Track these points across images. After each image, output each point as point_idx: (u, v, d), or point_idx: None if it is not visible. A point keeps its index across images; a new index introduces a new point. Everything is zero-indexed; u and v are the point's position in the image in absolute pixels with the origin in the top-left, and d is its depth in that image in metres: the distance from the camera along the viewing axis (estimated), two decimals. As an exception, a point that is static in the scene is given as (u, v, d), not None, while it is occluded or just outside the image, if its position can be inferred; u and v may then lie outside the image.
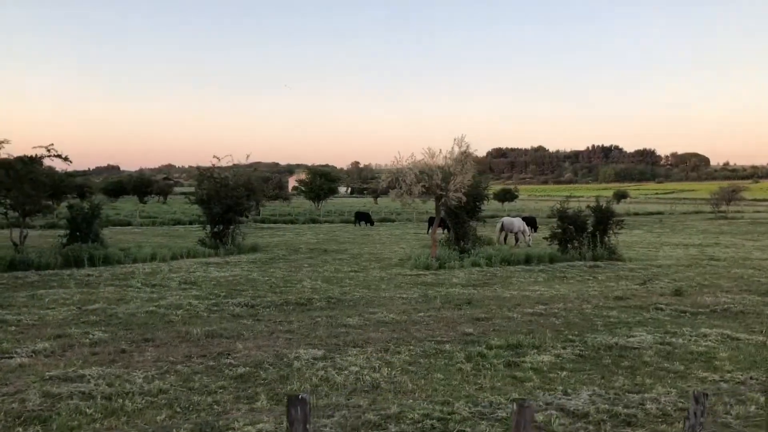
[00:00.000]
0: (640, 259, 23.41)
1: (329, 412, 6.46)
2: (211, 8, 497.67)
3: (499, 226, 29.91)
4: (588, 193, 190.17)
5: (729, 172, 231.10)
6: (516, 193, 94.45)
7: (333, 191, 69.09)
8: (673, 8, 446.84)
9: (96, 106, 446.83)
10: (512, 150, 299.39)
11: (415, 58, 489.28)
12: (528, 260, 21.55)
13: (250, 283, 15.87)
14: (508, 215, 38.17)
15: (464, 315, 11.87)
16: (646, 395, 6.99)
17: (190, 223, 42.52)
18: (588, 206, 24.38)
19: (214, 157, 24.12)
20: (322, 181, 65.44)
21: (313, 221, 49.41)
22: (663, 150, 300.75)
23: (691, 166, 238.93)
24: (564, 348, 9.20)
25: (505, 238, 29.35)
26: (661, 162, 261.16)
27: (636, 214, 73.24)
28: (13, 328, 10.30)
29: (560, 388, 7.30)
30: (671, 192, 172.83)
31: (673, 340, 9.75)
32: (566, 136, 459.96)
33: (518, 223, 29.80)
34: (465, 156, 20.53)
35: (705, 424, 3.65)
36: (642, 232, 43.57)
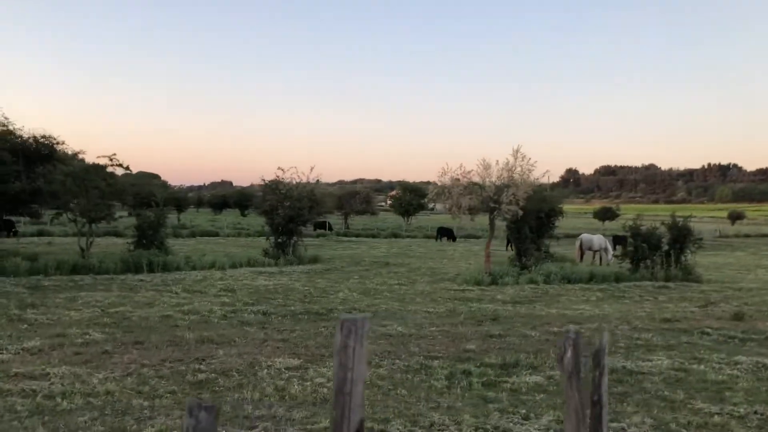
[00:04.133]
0: (721, 281, 21.59)
1: (255, 423, 6.11)
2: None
3: (577, 243, 28.55)
4: (700, 213, 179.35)
5: None
6: (617, 212, 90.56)
7: (421, 207, 68.77)
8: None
9: (211, 122, 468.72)
10: (621, 167, 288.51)
11: (527, 76, 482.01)
12: (591, 279, 20.30)
13: (286, 292, 15.80)
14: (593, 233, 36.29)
15: (479, 331, 11.19)
16: (615, 424, 6.18)
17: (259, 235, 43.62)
18: (663, 223, 22.74)
19: (279, 168, 24.47)
20: (411, 197, 65.37)
21: (395, 236, 49.34)
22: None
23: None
24: (563, 370, 8.40)
25: (581, 256, 27.92)
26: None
27: (746, 236, 68.30)
28: (26, 326, 10.65)
29: (524, 411, 6.60)
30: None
31: (694, 366, 8.69)
32: (680, 154, 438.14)
33: (597, 240, 28.34)
34: (523, 168, 19.72)
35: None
36: (744, 254, 40.51)
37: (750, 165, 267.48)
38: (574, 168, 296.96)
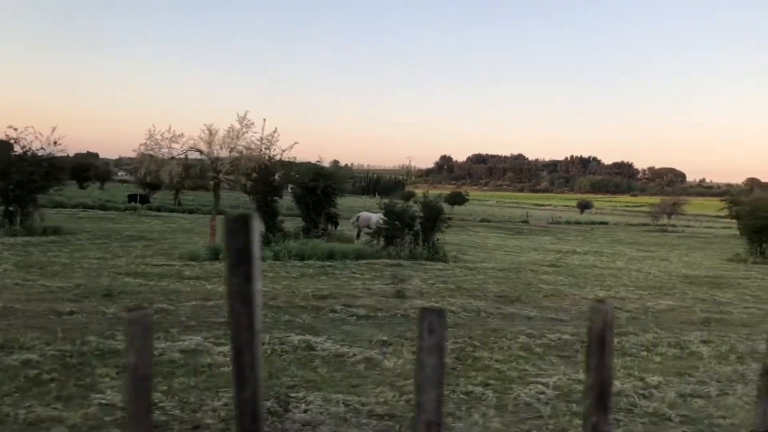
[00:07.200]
0: (470, 261, 21.30)
1: None
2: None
3: (353, 220, 27.78)
4: (559, 202, 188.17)
5: (704, 189, 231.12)
6: (467, 197, 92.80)
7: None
8: (656, 22, 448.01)
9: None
10: (492, 156, 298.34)
11: (399, 61, 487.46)
12: (331, 256, 19.34)
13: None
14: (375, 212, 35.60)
15: (54, 309, 9.62)
16: None
17: (74, 207, 40.34)
18: (416, 202, 22.32)
19: (10, 127, 21.77)
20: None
21: (219, 213, 47.02)
22: (640, 164, 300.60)
23: (667, 181, 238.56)
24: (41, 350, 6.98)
25: (359, 234, 27.14)
26: (638, 176, 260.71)
27: (578, 222, 71.40)
28: None
29: None
30: (641, 205, 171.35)
31: (218, 348, 7.56)
32: (546, 146, 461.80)
33: (376, 219, 27.61)
34: (260, 138, 18.41)
35: None
36: (550, 239, 41.58)
37: (607, 158, 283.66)
38: (448, 155, 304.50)
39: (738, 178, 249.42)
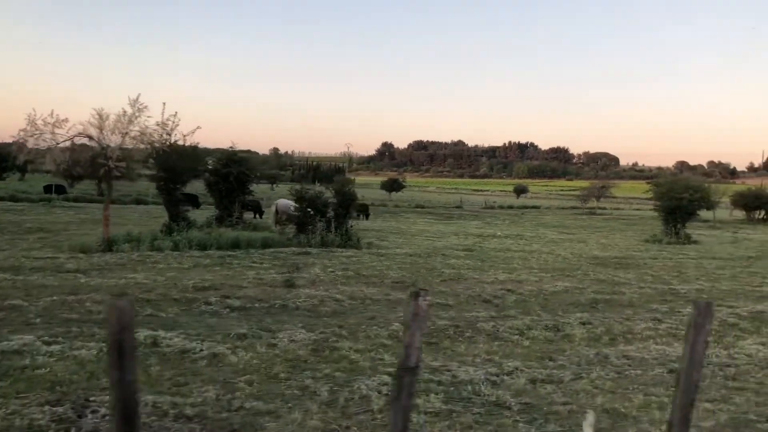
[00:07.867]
0: (383, 246, 20.96)
1: None
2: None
3: (273, 209, 27.06)
4: (497, 188, 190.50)
5: (636, 172, 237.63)
6: (404, 183, 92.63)
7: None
8: (587, 8, 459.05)
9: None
10: (433, 143, 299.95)
11: (339, 48, 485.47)
12: (236, 245, 18.65)
13: None
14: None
15: None
16: None
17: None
18: (329, 188, 21.82)
19: None
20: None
21: (138, 202, 45.45)
22: (576, 149, 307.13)
23: (602, 165, 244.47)
24: None
25: (276, 222, 26.44)
26: (574, 160, 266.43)
27: (510, 207, 72.00)
28: None
29: None
30: (575, 189, 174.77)
31: (48, 348, 6.90)
32: (485, 132, 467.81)
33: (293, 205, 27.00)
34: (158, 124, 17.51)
35: None
36: (479, 223, 41.64)
37: (544, 144, 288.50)
38: (389, 142, 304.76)
39: (669, 162, 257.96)
